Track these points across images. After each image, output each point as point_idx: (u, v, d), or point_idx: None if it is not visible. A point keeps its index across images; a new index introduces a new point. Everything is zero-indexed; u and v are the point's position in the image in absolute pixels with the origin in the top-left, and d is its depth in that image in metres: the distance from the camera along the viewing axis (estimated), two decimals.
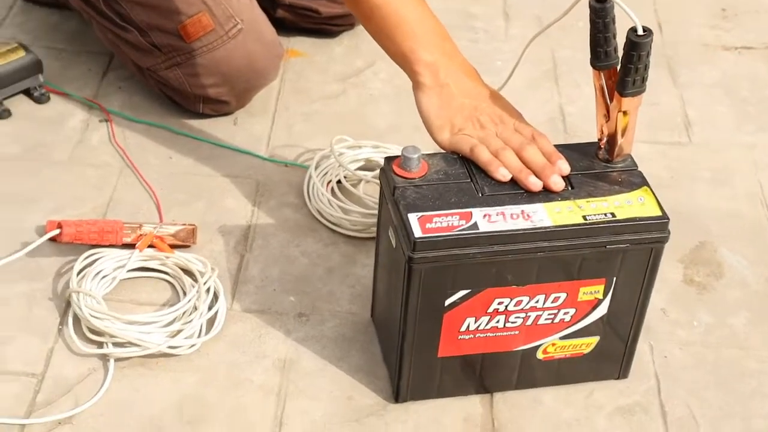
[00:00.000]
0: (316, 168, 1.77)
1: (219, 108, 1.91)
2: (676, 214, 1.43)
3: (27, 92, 1.92)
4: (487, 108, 1.53)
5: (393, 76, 1.99)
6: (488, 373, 1.51)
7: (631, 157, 1.49)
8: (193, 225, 1.67)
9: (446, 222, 1.37)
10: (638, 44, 1.37)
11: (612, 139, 1.47)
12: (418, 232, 1.35)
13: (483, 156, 1.44)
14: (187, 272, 1.59)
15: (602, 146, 1.48)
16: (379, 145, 1.82)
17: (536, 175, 1.43)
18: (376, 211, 1.56)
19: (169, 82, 1.88)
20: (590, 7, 1.42)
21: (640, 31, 1.37)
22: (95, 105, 1.93)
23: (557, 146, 1.49)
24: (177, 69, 1.86)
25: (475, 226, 1.37)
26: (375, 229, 1.57)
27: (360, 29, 2.16)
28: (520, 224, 1.38)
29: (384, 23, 1.57)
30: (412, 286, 1.38)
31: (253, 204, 1.76)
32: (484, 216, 1.38)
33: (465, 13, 2.27)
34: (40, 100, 1.92)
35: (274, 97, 2.00)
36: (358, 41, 2.16)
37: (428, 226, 1.36)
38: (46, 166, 1.81)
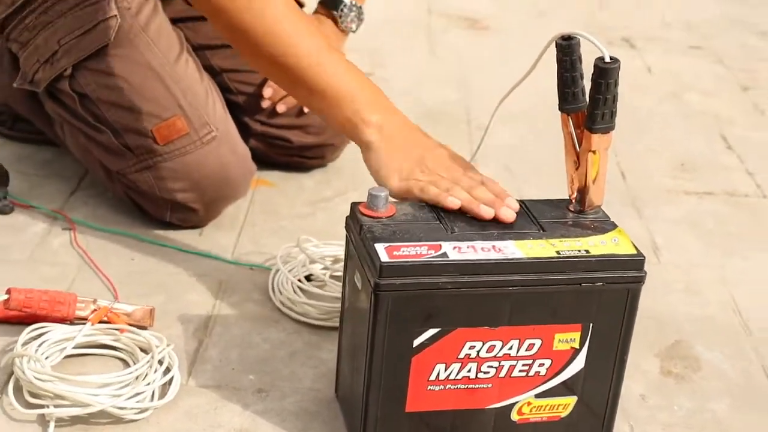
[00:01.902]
0: (283, 264, 1.66)
1: (187, 217, 1.82)
2: (649, 317, 1.44)
3: None
4: (434, 155, 1.48)
5: (353, 195, 1.94)
6: None
7: (603, 210, 1.38)
8: (151, 306, 1.53)
9: (414, 251, 1.26)
10: (606, 71, 1.30)
11: (583, 189, 1.36)
12: (384, 257, 1.23)
13: (431, 192, 1.39)
14: (143, 350, 1.43)
15: (573, 199, 1.38)
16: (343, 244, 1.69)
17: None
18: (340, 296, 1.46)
19: (138, 185, 1.78)
20: (556, 45, 1.37)
21: (607, 59, 1.29)
22: (60, 215, 1.83)
23: (526, 200, 1.40)
24: (147, 172, 1.77)
25: (444, 255, 1.26)
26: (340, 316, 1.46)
27: (331, 165, 2.11)
28: (491, 255, 1.26)
29: (326, 96, 1.51)
30: (379, 320, 1.24)
31: (215, 298, 1.65)
32: (454, 248, 1.28)
33: None
34: (3, 210, 1.82)
35: (242, 214, 1.92)
36: (329, 176, 2.10)
37: (395, 253, 1.24)
38: (3, 264, 1.69)
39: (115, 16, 1.77)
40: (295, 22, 1.54)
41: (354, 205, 1.35)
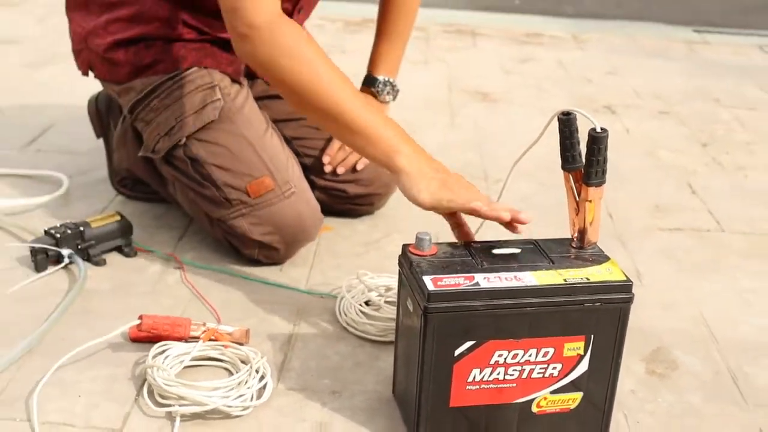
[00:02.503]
0: (347, 292, 1.71)
1: (270, 255, 1.86)
2: (636, 329, 1.46)
3: (119, 249, 1.88)
4: (455, 178, 1.56)
5: (406, 241, 1.90)
6: (492, 428, 1.38)
7: (598, 246, 1.43)
8: (247, 328, 1.58)
9: (454, 281, 1.31)
10: (598, 138, 1.37)
11: (582, 230, 1.42)
12: (431, 287, 1.29)
13: (459, 201, 1.50)
14: (242, 361, 1.49)
15: (574, 238, 1.43)
16: (393, 276, 1.73)
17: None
18: (394, 317, 1.50)
19: (234, 229, 1.83)
20: (558, 120, 1.42)
21: (599, 129, 1.36)
22: (171, 257, 1.88)
23: (539, 239, 1.45)
24: (242, 219, 1.82)
25: (477, 284, 1.31)
26: (394, 333, 1.50)
27: (378, 213, 2.15)
28: (513, 284, 1.32)
29: (365, 135, 1.56)
30: (428, 336, 1.30)
31: (294, 320, 1.68)
32: (484, 278, 1.33)
33: None
34: (129, 254, 1.88)
35: (312, 254, 1.95)
36: (376, 221, 2.13)
37: (439, 284, 1.30)
38: (130, 296, 1.74)
39: (220, 99, 1.84)
40: (341, 86, 1.58)
41: (405, 246, 1.41)
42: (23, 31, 3.59)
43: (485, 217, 1.48)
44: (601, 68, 3.60)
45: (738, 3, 5.63)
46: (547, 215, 2.16)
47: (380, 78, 2.13)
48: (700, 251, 2.09)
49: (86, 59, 1.96)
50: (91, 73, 1.99)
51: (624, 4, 5.36)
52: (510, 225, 1.48)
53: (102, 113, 2.18)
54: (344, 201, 2.08)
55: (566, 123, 1.40)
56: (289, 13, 1.95)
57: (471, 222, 1.53)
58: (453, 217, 1.53)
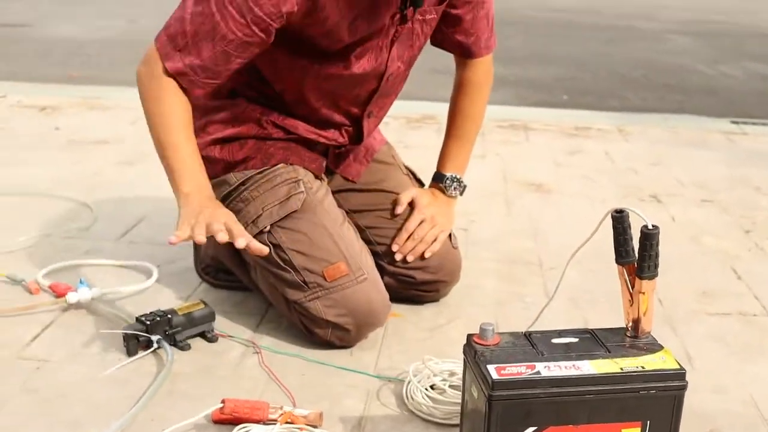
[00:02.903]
0: (413, 376, 1.67)
1: (342, 336, 1.84)
2: (686, 413, 1.35)
3: (202, 335, 1.87)
4: (210, 209, 1.74)
5: (468, 328, 1.90)
6: None
7: (652, 335, 1.40)
8: (320, 410, 1.56)
9: (516, 370, 1.29)
10: (650, 235, 1.35)
11: (636, 320, 1.39)
12: (495, 375, 1.27)
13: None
14: None
15: (629, 327, 1.40)
16: (456, 361, 1.70)
17: None
18: (459, 401, 1.47)
19: (310, 311, 1.83)
20: (612, 217, 1.40)
21: (650, 227, 1.33)
22: (249, 343, 1.87)
23: (596, 329, 1.42)
24: (317, 301, 1.82)
25: (538, 373, 1.29)
26: (459, 417, 1.47)
27: (442, 300, 2.12)
28: (572, 372, 1.29)
29: (168, 171, 1.80)
30: (492, 421, 1.28)
31: (364, 403, 1.65)
32: (545, 367, 1.30)
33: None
34: (211, 340, 1.87)
35: (380, 339, 1.92)
36: (441, 308, 2.09)
37: (503, 372, 1.28)
38: (212, 379, 1.73)
39: (303, 192, 1.87)
40: (174, 128, 1.78)
41: (469, 336, 1.39)
42: (117, 133, 3.66)
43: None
44: (646, 159, 3.57)
45: None
46: (596, 302, 2.14)
47: (448, 175, 2.13)
48: (747, 335, 2.03)
49: None
50: None
51: (665, 98, 5.34)
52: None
53: None
54: (412, 287, 2.06)
55: (619, 220, 1.38)
56: (359, 118, 1.99)
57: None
58: None
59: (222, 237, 1.63)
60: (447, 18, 1.97)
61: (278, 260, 1.85)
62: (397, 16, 1.83)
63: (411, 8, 1.84)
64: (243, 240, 1.65)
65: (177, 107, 1.78)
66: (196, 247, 2.19)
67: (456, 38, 2.02)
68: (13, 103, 4.16)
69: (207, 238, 2.04)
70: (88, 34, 6.98)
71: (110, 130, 3.67)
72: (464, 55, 2.08)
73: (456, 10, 1.96)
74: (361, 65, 1.87)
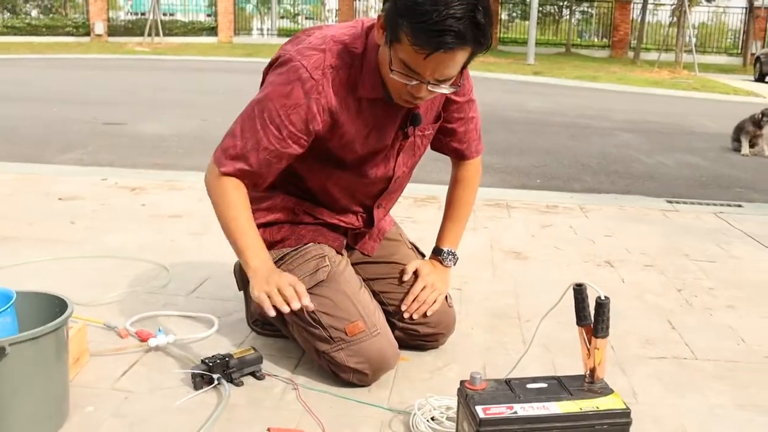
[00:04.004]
0: (418, 410, 1.66)
1: (361, 378, 1.82)
2: None
3: (252, 374, 1.86)
4: (277, 275, 1.81)
5: (462, 370, 1.92)
6: None
7: (604, 381, 1.39)
8: None
9: (498, 410, 1.29)
10: (602, 304, 1.37)
11: (592, 369, 1.38)
12: (482, 415, 1.26)
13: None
14: None
15: (587, 375, 1.39)
16: (452, 398, 1.67)
17: None
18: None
19: (335, 359, 1.81)
20: (573, 289, 1.40)
21: (603, 298, 1.33)
22: (289, 381, 1.85)
23: (562, 376, 1.40)
24: (341, 351, 1.81)
25: (515, 413, 1.29)
26: None
27: (441, 348, 2.09)
28: (543, 412, 1.30)
29: (237, 251, 1.84)
30: None
31: (379, 430, 1.64)
32: (521, 407, 1.30)
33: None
34: (259, 378, 1.85)
35: (391, 378, 1.90)
36: (440, 354, 2.06)
37: (488, 412, 1.28)
38: (260, 410, 1.71)
39: (328, 265, 1.88)
40: (241, 218, 1.80)
41: (462, 382, 1.39)
42: (189, 208, 3.67)
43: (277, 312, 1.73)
44: (601, 231, 3.54)
45: (696, 180, 5.58)
46: (564, 349, 2.11)
47: (445, 249, 2.12)
48: (680, 375, 2.00)
49: None
50: None
51: (615, 182, 5.34)
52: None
53: (243, 273, 2.20)
54: (416, 338, 2.04)
55: (579, 292, 1.38)
56: (371, 208, 2.00)
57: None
58: None
59: (294, 304, 1.72)
60: (444, 130, 1.99)
61: (309, 319, 1.84)
62: (400, 132, 1.86)
63: (411, 127, 1.87)
64: (306, 299, 1.74)
65: (238, 199, 1.80)
66: (248, 305, 2.18)
67: (452, 145, 2.04)
68: (111, 184, 4.19)
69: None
70: (169, 130, 7.05)
71: (183, 207, 3.69)
72: (458, 158, 2.09)
73: (451, 125, 1.98)
74: (373, 172, 1.89)
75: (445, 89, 1.65)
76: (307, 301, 1.73)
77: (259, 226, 1.92)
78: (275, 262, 1.89)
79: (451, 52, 1.54)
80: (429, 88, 1.63)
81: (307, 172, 1.90)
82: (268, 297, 1.73)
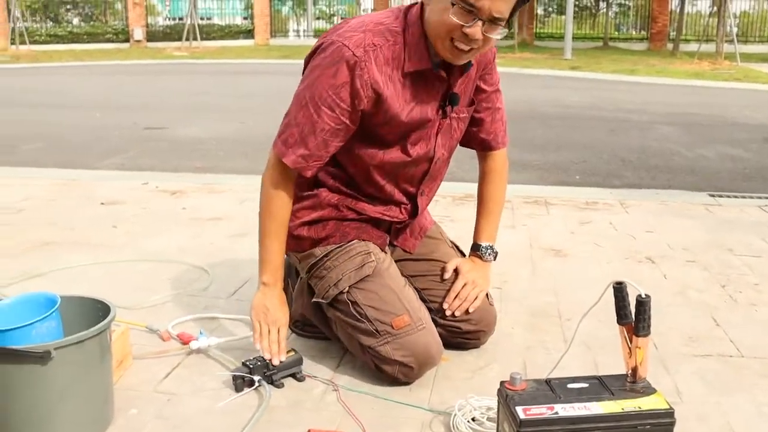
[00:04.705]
0: (458, 410, 1.65)
1: (406, 372, 1.83)
2: None
3: (293, 375, 1.86)
4: (277, 308, 1.93)
5: (502, 370, 1.91)
6: None
7: (647, 380, 1.37)
8: None
9: (539, 411, 1.27)
10: (643, 302, 1.34)
11: (634, 368, 1.36)
12: (522, 416, 1.25)
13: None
14: None
15: (628, 375, 1.37)
16: (493, 398, 1.66)
17: None
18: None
19: (380, 353, 1.82)
20: (613, 288, 1.38)
21: (644, 296, 1.31)
22: (330, 383, 1.85)
23: (603, 375, 1.38)
24: (387, 345, 1.82)
25: (556, 413, 1.27)
26: None
27: (483, 347, 2.08)
28: (584, 412, 1.28)
29: (259, 259, 2.06)
30: None
31: (422, 430, 1.63)
32: (562, 408, 1.28)
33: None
34: (300, 380, 1.86)
35: (432, 378, 1.89)
36: (481, 353, 2.05)
37: (528, 413, 1.26)
38: (301, 411, 1.72)
39: (374, 261, 1.89)
40: (275, 233, 1.88)
41: (502, 383, 1.37)
42: (228, 211, 3.70)
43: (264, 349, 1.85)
44: (642, 227, 3.50)
45: (739, 173, 5.48)
46: (605, 347, 2.08)
47: (483, 245, 2.12)
48: (725, 373, 1.96)
49: None
50: None
51: (656, 177, 5.26)
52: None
53: (284, 275, 2.21)
54: (458, 335, 2.03)
55: (619, 290, 1.36)
56: (414, 196, 2.00)
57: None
58: None
59: (275, 360, 1.84)
60: (472, 121, 2.02)
61: (355, 314, 1.85)
62: (440, 110, 1.88)
63: (450, 106, 1.90)
64: (276, 359, 1.84)
65: (279, 211, 1.88)
66: (289, 306, 2.19)
67: (480, 136, 2.06)
68: (152, 188, 4.24)
69: (296, 300, 2.07)
70: (208, 134, 7.12)
71: (223, 210, 3.72)
72: (485, 149, 2.10)
73: (479, 114, 2.02)
74: (415, 150, 1.90)
75: (497, 34, 1.70)
76: (284, 358, 1.85)
77: (304, 224, 1.95)
78: (320, 259, 1.93)
79: None
80: (484, 29, 1.67)
81: (350, 159, 1.91)
82: (260, 330, 1.88)
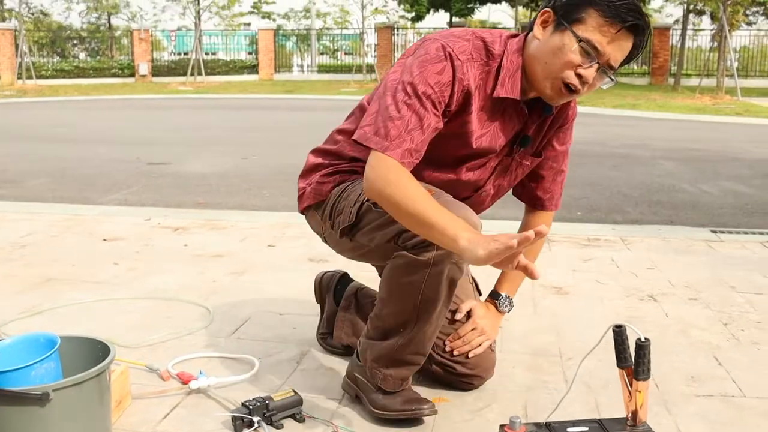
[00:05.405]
0: None
1: None
2: None
3: (293, 416, 1.85)
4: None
5: (502, 411, 1.87)
6: None
7: (647, 424, 1.36)
8: None
9: None
10: (643, 346, 1.34)
11: (634, 412, 1.35)
12: None
13: (498, 246, 1.43)
14: None
15: (629, 417, 1.36)
16: None
17: None
18: None
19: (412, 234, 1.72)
20: (613, 331, 1.37)
21: (643, 340, 1.30)
22: (329, 423, 1.84)
23: (604, 419, 1.37)
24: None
25: None
26: None
27: (480, 389, 2.05)
28: None
29: (436, 228, 1.54)
30: None
31: None
32: None
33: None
34: (299, 420, 1.84)
35: (432, 419, 1.85)
36: (480, 393, 2.04)
37: None
38: None
39: None
40: (422, 197, 1.59)
41: (501, 426, 1.37)
42: (230, 248, 3.70)
43: (519, 243, 1.40)
44: (644, 264, 3.49)
45: (741, 209, 5.48)
46: (606, 385, 2.07)
47: (503, 295, 2.12)
48: (728, 414, 1.94)
49: (304, 199, 2.01)
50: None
51: (658, 213, 5.27)
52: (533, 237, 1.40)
53: (324, 288, 2.25)
54: (452, 376, 2.02)
55: (619, 334, 1.36)
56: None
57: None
58: (506, 263, 1.47)
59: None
60: (533, 175, 2.02)
61: (380, 211, 1.75)
62: (507, 147, 1.88)
63: (518, 146, 1.89)
64: (515, 240, 1.44)
65: (410, 182, 1.64)
66: (322, 318, 2.27)
67: (536, 192, 2.06)
68: (154, 224, 4.25)
69: (338, 328, 2.09)
70: (211, 169, 7.15)
71: (225, 246, 3.72)
72: (537, 206, 2.10)
73: (542, 171, 2.02)
74: (467, 175, 1.88)
75: (604, 83, 1.72)
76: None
77: (325, 175, 1.94)
78: (338, 196, 1.88)
79: (631, 35, 1.67)
80: (596, 75, 1.69)
81: None
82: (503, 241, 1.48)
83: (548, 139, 1.96)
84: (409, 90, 1.69)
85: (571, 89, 1.71)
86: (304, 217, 2.06)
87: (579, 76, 1.69)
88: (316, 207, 1.98)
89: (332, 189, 1.93)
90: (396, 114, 1.68)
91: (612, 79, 1.72)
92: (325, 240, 2.02)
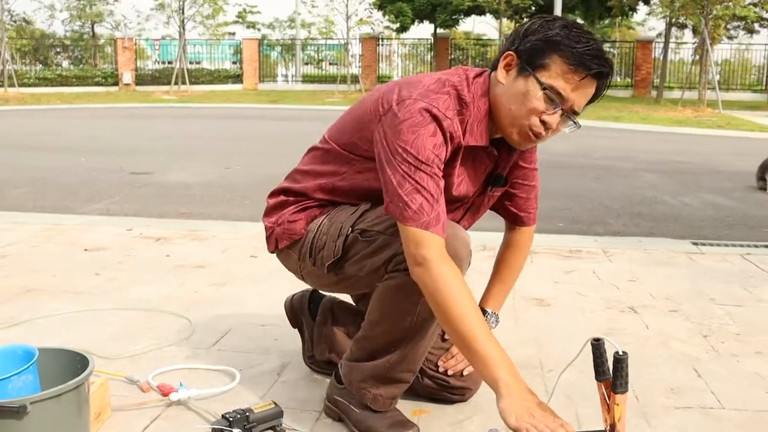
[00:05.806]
0: None
1: None
2: None
3: (273, 428, 1.84)
4: (540, 410, 1.46)
5: (482, 422, 1.88)
6: None
7: None
8: None
9: None
10: (621, 360, 1.35)
11: (612, 425, 1.36)
12: None
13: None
14: None
15: (607, 430, 1.37)
16: None
17: None
18: None
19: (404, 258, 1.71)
20: (591, 344, 1.38)
21: (621, 353, 1.32)
22: None
23: None
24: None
25: None
26: None
27: (467, 402, 2.06)
28: None
29: (480, 358, 1.55)
30: None
31: None
32: None
33: None
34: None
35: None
36: (461, 406, 2.04)
37: None
38: None
39: (365, 203, 1.85)
40: (476, 321, 1.59)
41: None
42: (211, 259, 3.69)
43: None
44: (625, 276, 3.51)
45: (722, 221, 5.53)
46: (587, 399, 2.07)
47: (489, 311, 2.13)
48: (706, 426, 1.96)
49: (274, 239, 1.97)
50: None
51: (639, 225, 5.31)
52: None
53: (296, 309, 2.24)
54: (445, 389, 2.02)
55: (597, 347, 1.37)
56: (459, 219, 1.96)
57: None
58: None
59: None
60: (506, 195, 2.02)
61: (367, 240, 1.77)
62: (480, 188, 1.89)
63: (491, 186, 1.90)
64: None
65: (465, 294, 1.62)
66: (304, 341, 2.22)
67: (511, 210, 2.07)
68: (136, 235, 4.23)
69: (318, 344, 2.10)
70: (195, 179, 7.13)
71: (207, 257, 3.71)
72: (515, 223, 2.11)
73: (514, 190, 2.03)
74: None
75: (571, 126, 1.72)
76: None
77: (296, 211, 1.91)
78: (316, 231, 1.86)
79: (595, 81, 1.67)
80: (559, 121, 1.69)
81: (365, 195, 1.85)
82: None
83: (514, 163, 1.96)
84: (413, 162, 1.66)
85: (536, 135, 1.72)
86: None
87: (543, 122, 1.70)
88: (290, 246, 1.95)
89: (306, 225, 1.92)
90: (417, 189, 1.65)
91: (575, 123, 1.72)
92: (302, 278, 1.99)
